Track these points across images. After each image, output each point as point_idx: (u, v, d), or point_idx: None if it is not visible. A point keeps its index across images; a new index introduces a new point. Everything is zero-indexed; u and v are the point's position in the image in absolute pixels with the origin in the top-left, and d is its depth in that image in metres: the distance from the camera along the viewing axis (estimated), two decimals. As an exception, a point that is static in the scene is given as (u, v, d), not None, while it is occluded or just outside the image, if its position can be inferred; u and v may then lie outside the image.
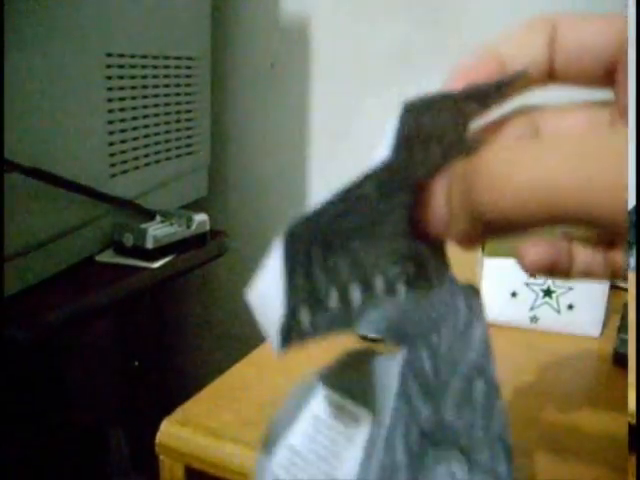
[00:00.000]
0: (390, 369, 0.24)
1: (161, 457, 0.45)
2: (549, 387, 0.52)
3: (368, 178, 0.21)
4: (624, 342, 0.57)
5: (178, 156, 0.91)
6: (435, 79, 0.87)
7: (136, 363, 0.96)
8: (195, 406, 0.47)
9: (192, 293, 1.18)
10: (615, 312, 0.64)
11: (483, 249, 0.60)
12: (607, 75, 0.25)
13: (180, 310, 1.19)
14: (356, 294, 0.22)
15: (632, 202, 0.69)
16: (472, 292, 0.25)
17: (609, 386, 0.54)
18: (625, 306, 0.64)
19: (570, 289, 0.60)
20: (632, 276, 0.57)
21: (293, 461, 0.26)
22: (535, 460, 0.41)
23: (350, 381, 0.26)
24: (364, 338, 0.58)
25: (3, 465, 0.74)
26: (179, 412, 0.46)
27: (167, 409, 0.47)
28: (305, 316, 0.21)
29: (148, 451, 0.87)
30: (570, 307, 0.61)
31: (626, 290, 0.74)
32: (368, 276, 0.22)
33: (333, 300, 0.21)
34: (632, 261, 0.60)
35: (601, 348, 0.59)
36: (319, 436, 0.26)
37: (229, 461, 0.42)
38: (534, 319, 0.62)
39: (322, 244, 0.20)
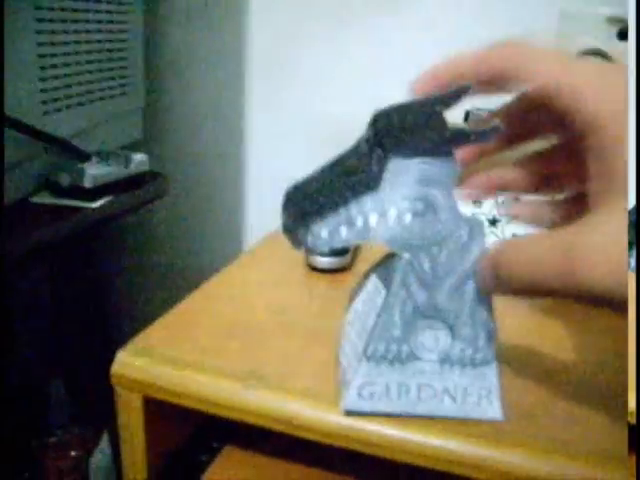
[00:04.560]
0: (397, 264, 0.36)
1: (117, 389, 0.44)
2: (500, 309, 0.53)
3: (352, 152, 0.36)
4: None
5: (112, 97, 0.87)
6: (376, 19, 0.85)
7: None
8: (150, 336, 0.46)
9: (128, 238, 1.15)
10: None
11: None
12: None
13: (117, 256, 1.17)
14: (373, 218, 0.36)
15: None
16: (474, 222, 0.36)
17: (556, 304, 0.56)
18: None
19: (515, 218, 0.61)
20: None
21: (353, 317, 0.41)
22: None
23: (382, 270, 0.39)
24: (314, 269, 0.59)
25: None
26: (134, 343, 0.45)
27: (108, 358, 0.45)
28: (344, 232, 0.36)
29: (89, 402, 0.85)
30: (514, 236, 0.62)
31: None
32: (385, 208, 0.36)
33: (359, 223, 0.36)
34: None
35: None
36: (366, 303, 0.40)
37: (189, 388, 0.41)
38: (480, 249, 0.63)
39: (353, 191, 0.35)
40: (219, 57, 1.02)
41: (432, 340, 0.37)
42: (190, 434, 0.52)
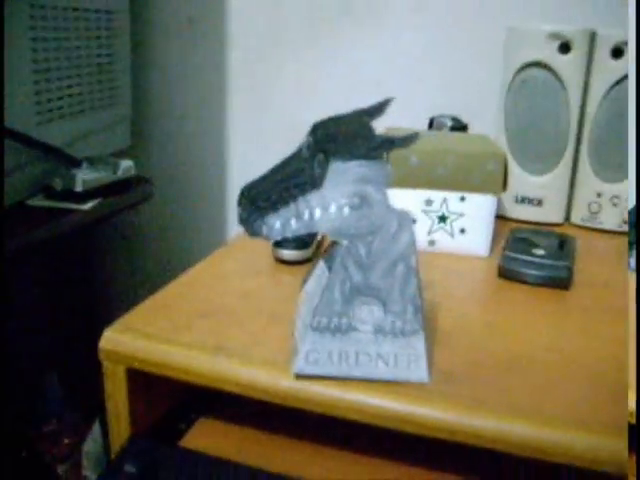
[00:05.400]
0: (337, 250, 0.44)
1: (104, 362, 0.51)
2: (445, 295, 0.60)
3: (294, 158, 0.43)
4: (507, 258, 0.65)
5: (101, 107, 0.94)
6: (345, 34, 0.94)
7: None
8: (133, 317, 0.53)
9: (118, 237, 1.22)
10: (501, 238, 0.72)
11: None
12: None
13: (107, 254, 1.24)
14: (318, 212, 0.42)
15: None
16: (403, 214, 0.43)
17: (495, 292, 0.63)
18: (511, 231, 0.73)
19: (461, 215, 0.69)
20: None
21: (304, 298, 0.49)
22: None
23: (327, 257, 0.46)
24: (280, 261, 0.66)
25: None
26: (119, 322, 0.52)
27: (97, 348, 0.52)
28: (294, 223, 0.42)
29: (81, 393, 0.91)
30: (462, 231, 0.69)
31: (512, 220, 0.84)
32: (327, 203, 0.42)
33: (306, 216, 0.42)
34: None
35: (489, 265, 0.68)
36: (314, 284, 0.47)
37: (165, 359, 0.48)
38: (431, 243, 0.70)
39: (300, 190, 0.42)
40: (203, 69, 1.09)
41: (367, 313, 0.44)
42: (170, 406, 0.58)
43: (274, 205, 0.42)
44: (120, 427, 0.53)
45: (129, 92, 1.03)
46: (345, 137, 0.42)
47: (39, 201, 0.77)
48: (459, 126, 0.90)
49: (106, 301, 1.22)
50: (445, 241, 0.70)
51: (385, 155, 0.43)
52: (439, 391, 0.45)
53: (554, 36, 0.77)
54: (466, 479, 0.51)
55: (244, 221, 0.43)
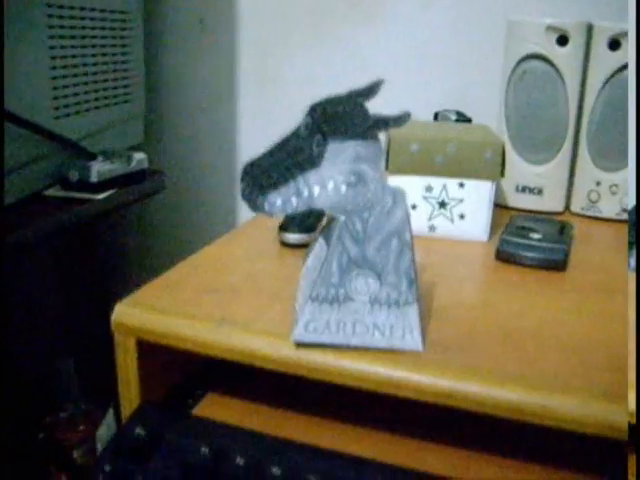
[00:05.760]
0: (335, 225, 0.47)
1: (116, 335, 0.53)
2: (443, 276, 0.63)
3: (294, 136, 0.46)
4: (505, 241, 0.68)
5: (116, 104, 0.98)
6: (352, 29, 0.97)
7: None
8: (143, 293, 0.56)
9: (133, 227, 1.26)
10: (502, 226, 0.74)
11: (387, 167, 0.70)
12: None
13: (121, 245, 1.27)
14: (316, 189, 0.44)
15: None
16: (398, 191, 0.46)
17: (492, 273, 0.65)
18: (510, 218, 0.75)
19: (461, 201, 0.71)
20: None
21: (305, 272, 0.52)
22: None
23: (326, 232, 0.49)
24: (286, 245, 0.68)
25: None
26: (129, 298, 0.55)
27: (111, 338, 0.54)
28: (294, 201, 0.44)
29: (96, 379, 0.94)
30: (462, 217, 0.72)
31: (513, 209, 0.86)
32: (325, 181, 0.44)
33: (305, 193, 0.44)
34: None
35: (488, 249, 0.70)
36: (314, 259, 0.50)
37: (172, 330, 0.51)
38: (432, 228, 0.73)
39: (300, 169, 0.44)
40: (213, 66, 1.12)
41: (363, 285, 0.47)
42: (178, 379, 0.61)
43: (275, 184, 0.45)
44: (131, 397, 0.56)
45: (142, 89, 1.07)
46: (341, 117, 0.44)
47: (55, 192, 0.81)
48: (463, 120, 0.92)
49: (120, 289, 1.25)
50: (445, 226, 0.72)
51: (380, 134, 0.45)
52: (434, 359, 0.47)
53: (552, 29, 0.79)
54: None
55: (247, 197, 0.45)
